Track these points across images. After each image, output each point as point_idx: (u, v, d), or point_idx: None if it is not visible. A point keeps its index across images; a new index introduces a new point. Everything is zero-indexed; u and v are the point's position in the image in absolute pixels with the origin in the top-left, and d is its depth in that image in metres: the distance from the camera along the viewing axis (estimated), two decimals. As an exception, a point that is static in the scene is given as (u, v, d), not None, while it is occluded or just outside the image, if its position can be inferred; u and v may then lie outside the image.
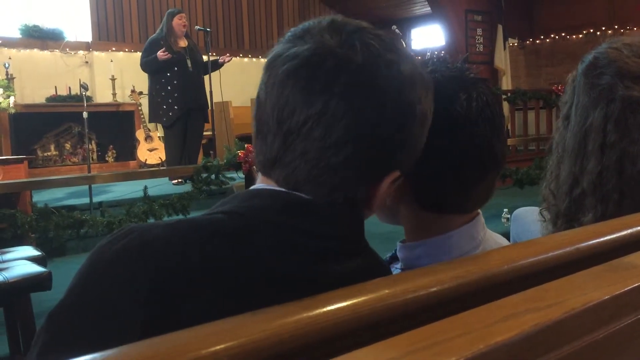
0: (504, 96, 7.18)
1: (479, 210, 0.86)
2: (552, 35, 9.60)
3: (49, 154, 7.41)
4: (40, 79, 7.66)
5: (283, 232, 0.62)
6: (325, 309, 0.48)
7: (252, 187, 0.69)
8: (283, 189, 0.65)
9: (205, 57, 6.07)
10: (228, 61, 6.16)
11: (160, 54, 5.63)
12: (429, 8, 8.47)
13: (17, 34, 7.74)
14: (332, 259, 0.64)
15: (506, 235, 1.28)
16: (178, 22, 5.88)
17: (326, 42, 0.62)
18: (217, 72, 6.05)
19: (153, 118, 6.04)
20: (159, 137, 7.26)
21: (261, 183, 0.69)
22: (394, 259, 0.94)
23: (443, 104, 0.75)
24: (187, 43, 5.98)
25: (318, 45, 0.62)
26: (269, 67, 0.65)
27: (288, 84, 0.62)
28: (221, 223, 0.62)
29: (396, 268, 0.92)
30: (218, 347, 0.42)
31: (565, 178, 1.07)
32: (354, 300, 0.50)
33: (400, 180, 0.68)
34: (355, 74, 0.61)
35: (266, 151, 0.65)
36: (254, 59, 9.58)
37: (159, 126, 6.50)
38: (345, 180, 0.64)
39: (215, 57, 6.18)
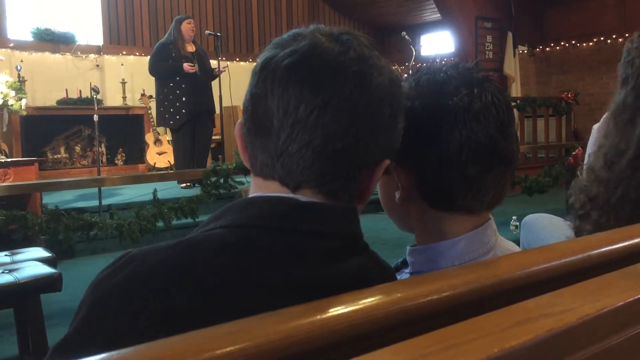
0: (513, 103, 7.17)
1: (491, 216, 0.87)
2: (562, 43, 9.57)
3: (59, 156, 7.45)
4: (52, 82, 7.71)
5: (285, 237, 0.63)
6: (339, 312, 0.48)
7: (247, 197, 0.69)
8: (278, 194, 0.66)
9: (214, 62, 6.11)
10: (222, 72, 6.14)
11: (187, 67, 5.71)
12: (439, 15, 8.47)
13: (29, 37, 7.81)
14: (336, 259, 0.65)
15: (515, 242, 1.28)
16: (187, 26, 5.94)
17: (320, 39, 0.66)
18: (227, 76, 6.07)
19: (160, 121, 6.07)
20: (168, 140, 7.29)
21: (256, 191, 0.69)
22: (404, 264, 0.94)
23: (444, 99, 0.78)
24: (194, 48, 6.03)
25: (315, 42, 0.66)
26: (262, 69, 0.67)
27: (291, 78, 0.64)
28: (222, 238, 0.62)
29: (405, 273, 0.92)
30: (233, 348, 0.43)
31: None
32: (368, 303, 0.50)
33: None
34: (355, 62, 0.65)
35: (270, 147, 0.66)
36: (264, 64, 9.60)
37: (168, 130, 6.53)
38: (346, 167, 0.66)
39: (216, 67, 6.16)
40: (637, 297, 0.51)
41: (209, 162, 5.58)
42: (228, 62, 6.24)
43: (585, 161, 1.30)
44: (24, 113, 5.48)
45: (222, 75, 6.04)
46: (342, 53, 0.65)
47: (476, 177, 0.78)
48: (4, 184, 4.02)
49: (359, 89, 0.64)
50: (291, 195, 0.66)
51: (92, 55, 8.21)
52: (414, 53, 6.88)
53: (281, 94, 0.64)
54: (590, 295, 0.51)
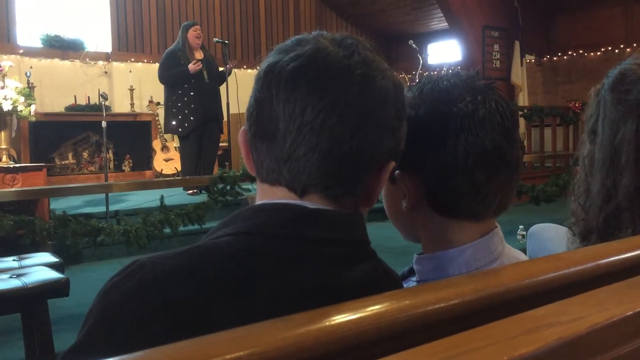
0: (520, 112, 7.16)
1: (497, 224, 0.86)
2: (569, 52, 9.56)
3: (66, 162, 7.49)
4: (60, 88, 7.77)
5: (293, 244, 0.63)
6: (347, 318, 0.48)
7: (255, 204, 0.69)
8: (285, 201, 0.66)
9: (222, 69, 6.14)
10: (232, 67, 6.16)
11: (192, 66, 5.74)
12: (446, 23, 8.49)
13: (38, 44, 7.87)
14: (344, 266, 0.65)
15: (522, 251, 1.27)
16: (193, 34, 5.97)
17: (324, 44, 0.66)
18: (235, 83, 6.09)
19: (168, 128, 6.09)
20: (175, 147, 7.32)
21: (263, 198, 0.69)
22: (411, 272, 0.94)
23: (449, 106, 0.79)
24: (202, 55, 6.05)
25: (319, 46, 0.66)
26: (267, 74, 0.67)
27: (296, 82, 0.64)
28: (231, 246, 0.62)
29: (412, 281, 0.92)
30: (242, 353, 0.43)
31: (597, 192, 1.06)
32: (376, 310, 0.50)
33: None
34: (360, 65, 0.65)
35: (276, 151, 0.65)
36: (271, 72, 9.64)
37: (176, 136, 6.56)
38: (353, 170, 0.66)
39: (223, 69, 6.18)
40: (646, 306, 0.50)
41: (216, 169, 5.59)
42: (235, 70, 6.23)
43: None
44: (33, 119, 5.52)
45: (229, 82, 6.05)
46: (346, 57, 0.65)
47: (483, 182, 0.79)
48: (13, 189, 4.05)
49: (364, 91, 0.65)
50: (299, 202, 0.66)
51: (100, 62, 8.26)
52: (421, 62, 6.90)
53: (287, 97, 0.64)
54: (599, 304, 0.50)
